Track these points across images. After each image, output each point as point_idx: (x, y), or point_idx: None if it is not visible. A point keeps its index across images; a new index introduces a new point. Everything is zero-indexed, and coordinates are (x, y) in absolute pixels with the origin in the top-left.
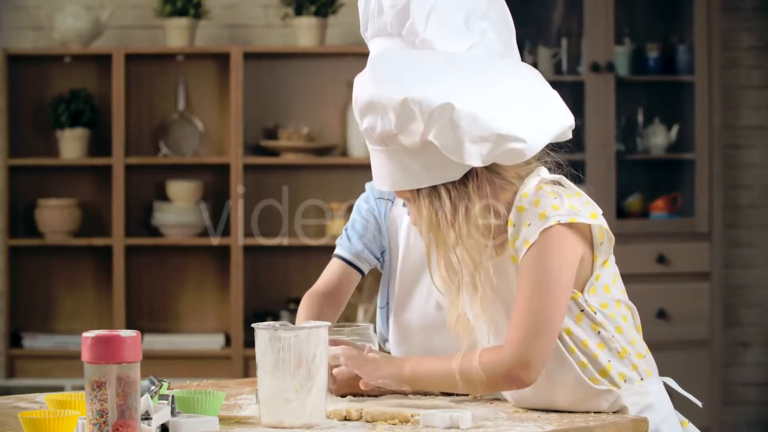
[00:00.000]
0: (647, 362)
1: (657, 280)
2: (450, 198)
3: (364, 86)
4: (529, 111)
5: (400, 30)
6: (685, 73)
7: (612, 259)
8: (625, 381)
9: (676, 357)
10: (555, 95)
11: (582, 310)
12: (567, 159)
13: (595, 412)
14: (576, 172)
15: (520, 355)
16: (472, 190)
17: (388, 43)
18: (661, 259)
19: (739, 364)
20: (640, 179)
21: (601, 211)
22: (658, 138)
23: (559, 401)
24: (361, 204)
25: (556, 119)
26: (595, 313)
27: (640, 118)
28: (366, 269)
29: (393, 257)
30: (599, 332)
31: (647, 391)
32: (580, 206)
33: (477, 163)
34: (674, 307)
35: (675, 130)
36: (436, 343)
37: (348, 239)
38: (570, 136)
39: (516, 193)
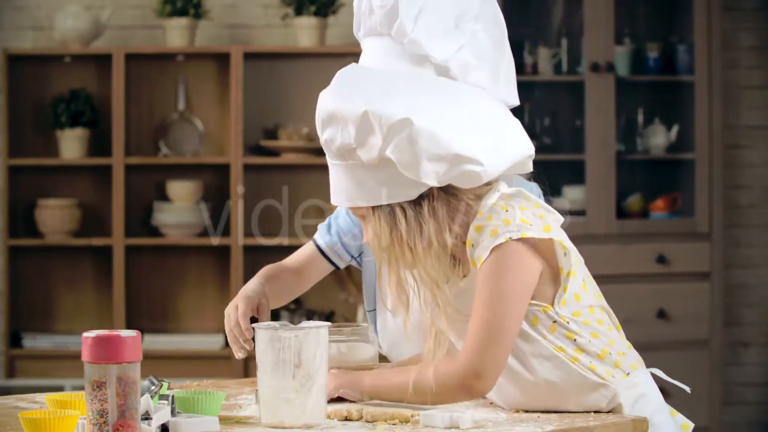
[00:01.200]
0: (630, 357)
1: (657, 280)
2: (405, 217)
3: (326, 99)
4: (489, 135)
5: (389, 30)
6: (685, 73)
7: (581, 266)
8: (612, 377)
9: (676, 357)
10: (517, 123)
11: (554, 321)
12: (567, 159)
13: (594, 412)
14: (538, 177)
15: (474, 364)
16: (428, 211)
17: (378, 42)
18: (661, 259)
19: (739, 364)
20: (640, 179)
21: (558, 222)
22: (658, 138)
23: (554, 399)
24: None
25: (515, 146)
26: (567, 323)
27: (640, 118)
28: (341, 264)
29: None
30: (575, 339)
31: (636, 383)
32: (533, 220)
33: (433, 182)
34: (674, 307)
35: (675, 130)
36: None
37: (328, 229)
38: (530, 168)
39: (473, 213)
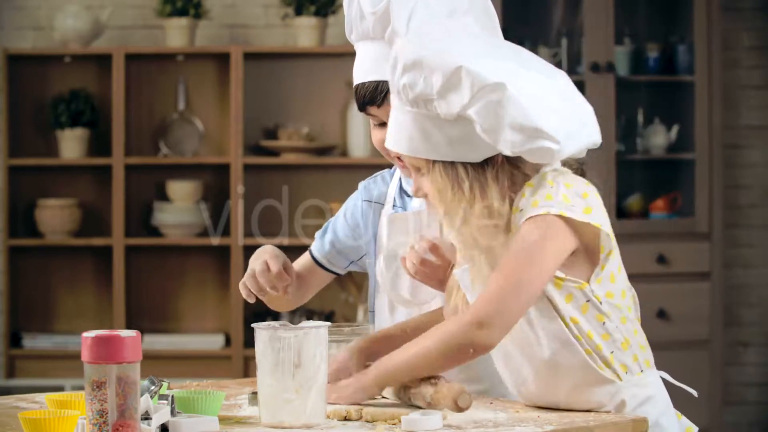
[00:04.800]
0: (647, 354)
1: (657, 280)
2: (468, 177)
3: (413, 45)
4: (572, 116)
5: (381, 34)
6: (685, 73)
7: (617, 249)
8: (626, 372)
9: (676, 357)
10: (591, 109)
11: (588, 300)
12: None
13: (595, 411)
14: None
15: (481, 312)
16: (491, 176)
17: (372, 46)
18: (661, 259)
19: (739, 364)
20: (640, 179)
21: (597, 204)
22: (658, 138)
23: (562, 386)
24: (349, 204)
25: (590, 134)
26: (600, 303)
27: (640, 118)
28: (340, 270)
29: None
30: (604, 323)
31: (647, 383)
32: (576, 199)
33: (507, 150)
34: (674, 307)
35: (675, 130)
36: None
37: (323, 238)
38: (585, 153)
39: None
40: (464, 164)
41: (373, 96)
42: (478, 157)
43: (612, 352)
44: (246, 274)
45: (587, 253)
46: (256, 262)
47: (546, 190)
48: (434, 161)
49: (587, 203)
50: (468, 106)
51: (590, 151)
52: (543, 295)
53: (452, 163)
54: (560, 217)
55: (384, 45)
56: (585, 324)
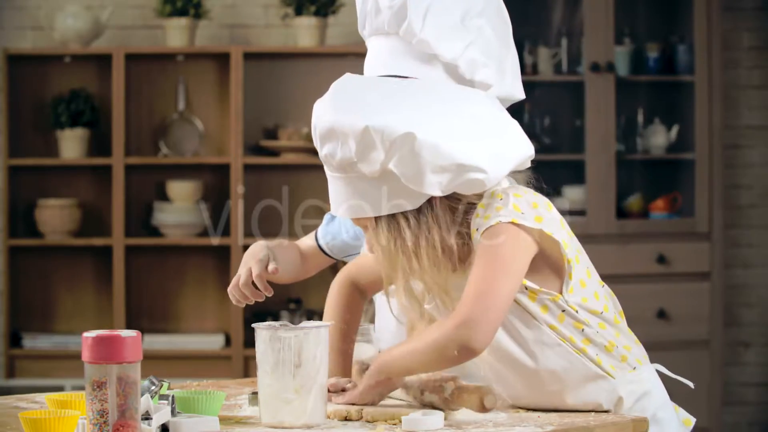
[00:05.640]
0: (636, 352)
1: (657, 280)
2: (409, 227)
3: (324, 113)
4: (491, 141)
5: (397, 29)
6: (685, 73)
7: (583, 252)
8: (617, 371)
9: (676, 357)
10: (515, 124)
11: (563, 311)
12: (567, 159)
13: (595, 411)
14: (543, 186)
15: (465, 315)
16: (431, 218)
17: (384, 41)
18: (661, 259)
19: (739, 364)
20: (640, 179)
21: (547, 214)
22: (658, 138)
23: (557, 391)
24: None
25: (516, 149)
26: (576, 311)
27: (640, 118)
28: (340, 258)
29: None
30: (583, 329)
31: (642, 379)
32: (526, 208)
33: (437, 192)
34: (674, 307)
35: (675, 130)
36: None
37: (328, 225)
38: (528, 164)
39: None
40: (404, 214)
41: None
42: (415, 204)
43: (598, 355)
44: (232, 282)
45: (552, 264)
46: (243, 268)
47: (496, 204)
48: (377, 218)
49: (537, 212)
50: (386, 162)
51: (590, 152)
52: (521, 307)
53: (393, 216)
54: (512, 223)
55: (398, 40)
56: (565, 331)
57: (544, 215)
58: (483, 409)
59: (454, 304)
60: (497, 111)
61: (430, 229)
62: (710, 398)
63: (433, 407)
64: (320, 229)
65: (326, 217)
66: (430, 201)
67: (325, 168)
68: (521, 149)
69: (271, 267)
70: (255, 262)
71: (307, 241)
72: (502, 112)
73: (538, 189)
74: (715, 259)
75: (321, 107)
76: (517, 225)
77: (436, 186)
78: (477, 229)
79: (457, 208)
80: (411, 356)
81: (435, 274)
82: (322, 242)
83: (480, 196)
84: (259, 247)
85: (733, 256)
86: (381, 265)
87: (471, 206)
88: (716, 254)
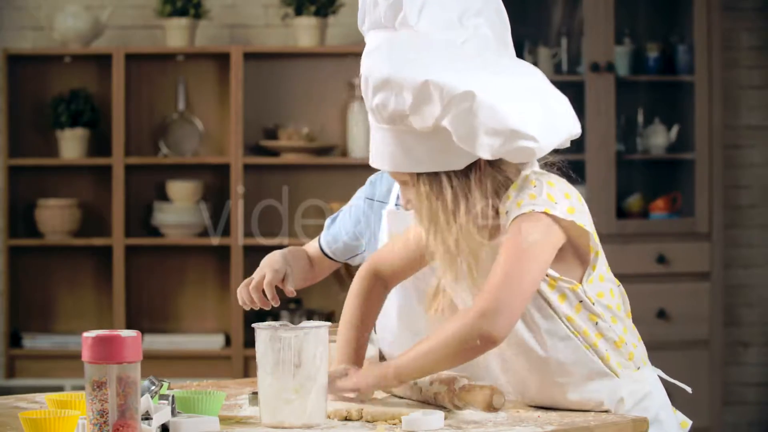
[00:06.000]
0: (641, 351)
1: (657, 280)
2: (451, 186)
3: (379, 62)
4: (545, 112)
5: (393, 22)
6: (685, 73)
7: (601, 248)
8: (623, 369)
9: (676, 357)
10: (566, 100)
11: (581, 301)
12: (566, 159)
13: (595, 411)
14: (572, 174)
15: (487, 305)
16: (474, 182)
17: (384, 35)
18: (661, 259)
19: (739, 364)
20: (640, 179)
21: (579, 205)
22: (658, 138)
23: (561, 383)
24: (353, 201)
25: (567, 124)
26: (593, 303)
27: (640, 118)
28: (344, 261)
29: None
30: (597, 323)
31: (644, 379)
32: (560, 198)
33: (487, 155)
34: (674, 307)
35: (675, 130)
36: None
37: (329, 228)
38: (568, 144)
39: (509, 185)
40: (447, 173)
41: None
42: (460, 165)
43: (607, 351)
44: (243, 283)
45: (577, 254)
46: (257, 273)
47: (529, 190)
48: (418, 174)
49: (570, 203)
50: (441, 118)
51: (590, 152)
52: (538, 295)
53: (436, 174)
54: (545, 213)
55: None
56: (581, 323)
57: (576, 206)
58: (491, 408)
59: (479, 271)
60: (550, 85)
61: (471, 192)
62: (710, 398)
63: (440, 405)
64: (322, 235)
65: (327, 222)
66: (476, 164)
67: (371, 118)
68: (571, 125)
69: (289, 288)
70: (271, 270)
71: (312, 247)
72: (553, 87)
73: (567, 177)
74: (715, 259)
75: (376, 58)
76: (550, 215)
77: (487, 148)
78: (507, 212)
79: (497, 178)
80: (426, 356)
81: (468, 237)
82: (325, 247)
83: (518, 172)
84: (277, 257)
85: (733, 256)
86: (420, 220)
87: (508, 181)
88: (716, 254)
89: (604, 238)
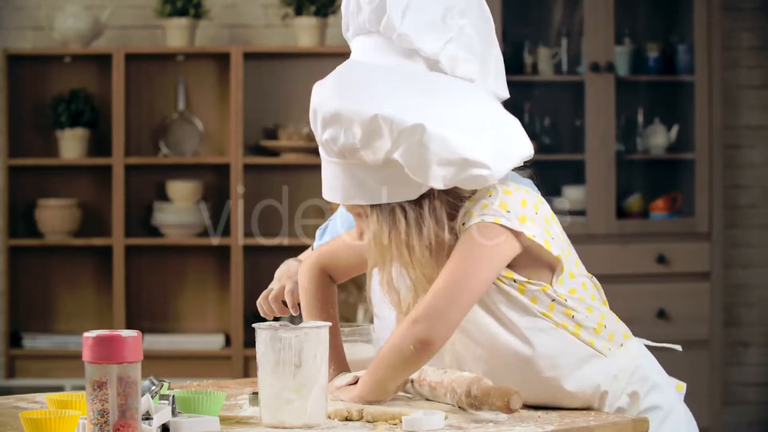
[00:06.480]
0: (620, 328)
1: (657, 280)
2: (405, 217)
3: (329, 97)
4: (497, 137)
5: (377, 26)
6: (685, 73)
7: (569, 245)
8: (608, 349)
9: (676, 357)
10: (517, 123)
11: (553, 300)
12: (567, 159)
13: (595, 411)
14: (533, 174)
15: (417, 311)
16: (428, 211)
17: (367, 40)
18: (661, 259)
19: (739, 364)
20: (640, 179)
21: (532, 214)
22: (658, 138)
23: (549, 374)
24: (342, 210)
25: (519, 148)
26: (565, 300)
27: (640, 118)
28: None
29: None
30: (573, 316)
31: (630, 352)
32: (513, 206)
33: (440, 185)
34: (674, 307)
35: (675, 130)
36: None
37: (321, 238)
38: (521, 164)
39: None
40: (401, 204)
41: None
42: (413, 195)
43: (589, 337)
44: (262, 294)
45: (542, 261)
46: (276, 284)
47: (484, 200)
48: (372, 206)
49: (523, 211)
50: (392, 151)
51: (590, 152)
52: (512, 299)
53: (389, 205)
54: (495, 224)
55: (380, 37)
56: (557, 318)
57: (528, 215)
58: (508, 410)
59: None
60: (499, 108)
61: (425, 222)
62: (710, 398)
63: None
64: (316, 245)
65: (318, 233)
66: (429, 194)
67: (322, 152)
68: (523, 149)
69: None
70: (289, 280)
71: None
72: (502, 109)
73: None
74: (715, 259)
75: (325, 91)
76: (500, 225)
77: (440, 179)
78: (464, 224)
79: (453, 204)
80: (376, 370)
81: (425, 267)
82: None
83: (474, 193)
84: (294, 265)
85: (733, 256)
86: (370, 252)
87: (464, 201)
88: (716, 254)
89: (604, 238)
